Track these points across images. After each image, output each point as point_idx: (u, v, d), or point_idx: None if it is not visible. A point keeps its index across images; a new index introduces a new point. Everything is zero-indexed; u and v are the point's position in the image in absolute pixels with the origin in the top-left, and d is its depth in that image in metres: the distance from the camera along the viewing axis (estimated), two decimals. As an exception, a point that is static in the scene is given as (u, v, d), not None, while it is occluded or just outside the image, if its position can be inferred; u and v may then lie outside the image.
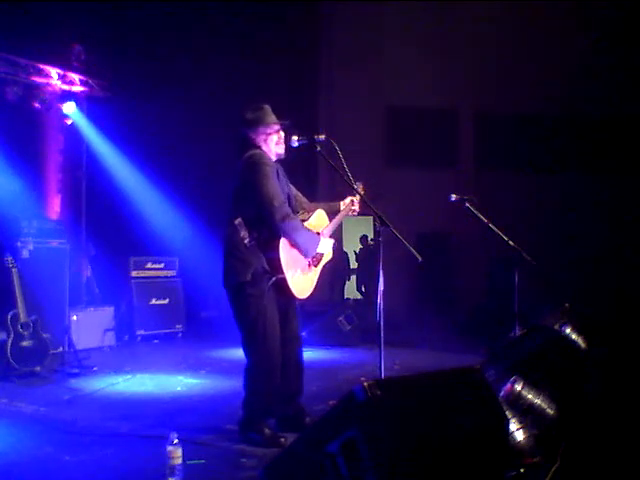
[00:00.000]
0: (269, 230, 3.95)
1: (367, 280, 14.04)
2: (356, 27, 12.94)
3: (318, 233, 4.23)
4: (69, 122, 8.34)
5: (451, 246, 12.62)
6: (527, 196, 12.02)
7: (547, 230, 11.44)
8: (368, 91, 12.80)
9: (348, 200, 4.42)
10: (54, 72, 8.01)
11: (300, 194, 4.49)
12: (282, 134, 4.22)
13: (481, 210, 5.92)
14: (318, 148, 4.15)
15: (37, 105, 7.86)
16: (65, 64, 8.17)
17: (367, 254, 13.65)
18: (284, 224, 3.91)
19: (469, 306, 11.14)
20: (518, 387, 3.42)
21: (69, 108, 8.16)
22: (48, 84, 7.96)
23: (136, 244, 9.30)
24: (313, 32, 12.70)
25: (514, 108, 12.49)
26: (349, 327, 8.56)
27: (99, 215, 8.84)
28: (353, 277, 14.87)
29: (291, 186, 4.39)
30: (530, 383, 3.47)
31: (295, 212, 4.26)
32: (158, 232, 9.55)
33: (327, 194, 12.39)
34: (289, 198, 4.24)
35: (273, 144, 4.18)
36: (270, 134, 4.18)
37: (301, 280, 4.09)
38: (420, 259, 3.87)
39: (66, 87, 8.19)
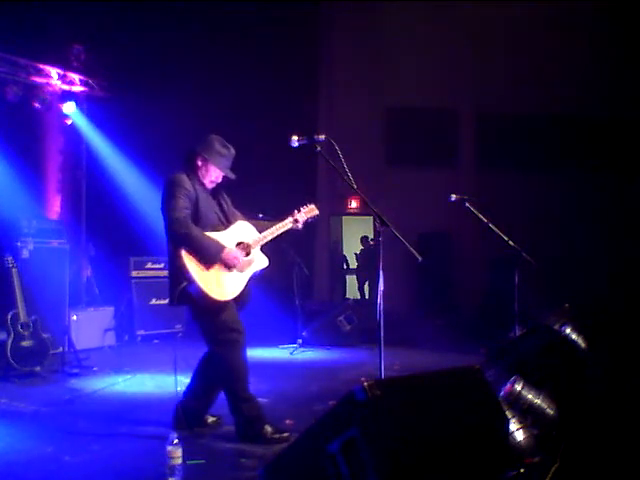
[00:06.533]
0: (171, 241, 4.13)
1: (369, 280, 14.04)
2: (356, 27, 12.95)
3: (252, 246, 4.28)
4: (69, 122, 8.34)
5: (451, 246, 12.61)
6: (527, 196, 12.02)
7: (547, 230, 11.44)
8: (368, 91, 12.80)
9: (291, 218, 4.47)
10: (54, 72, 8.01)
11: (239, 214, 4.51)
12: (219, 179, 4.34)
13: (481, 210, 5.93)
14: (318, 148, 4.16)
15: (37, 105, 7.86)
16: (65, 64, 8.18)
17: (368, 254, 13.66)
18: (179, 234, 4.04)
19: (469, 306, 11.15)
20: (518, 387, 3.42)
21: (69, 108, 8.16)
22: (48, 84, 7.97)
23: (136, 244, 9.29)
24: (313, 32, 12.69)
25: (514, 108, 12.49)
26: (349, 327, 8.57)
27: (99, 215, 8.84)
28: (352, 277, 14.87)
29: (234, 211, 4.44)
30: (530, 383, 3.48)
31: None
32: (158, 232, 9.52)
33: (327, 194, 12.42)
34: (226, 219, 4.31)
35: (208, 180, 4.31)
36: (214, 174, 4.30)
37: (224, 281, 4.11)
38: (420, 259, 3.87)
39: (66, 87, 8.20)
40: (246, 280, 4.24)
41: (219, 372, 4.21)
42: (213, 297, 4.01)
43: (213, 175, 4.30)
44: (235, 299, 4.18)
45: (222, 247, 4.11)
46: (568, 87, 12.13)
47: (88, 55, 8.37)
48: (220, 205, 4.38)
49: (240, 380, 4.15)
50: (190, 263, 4.00)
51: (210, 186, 4.34)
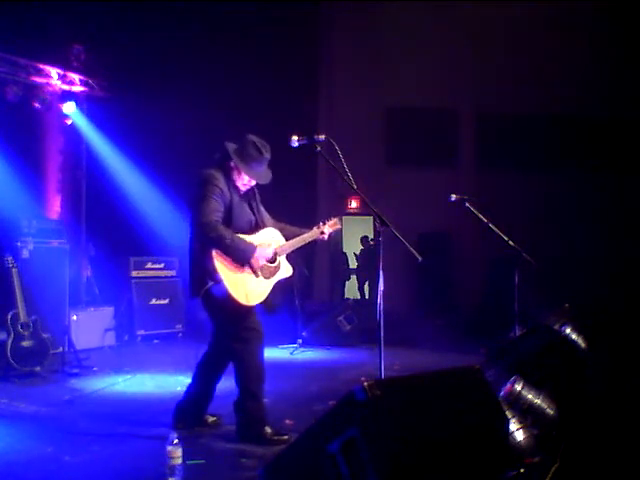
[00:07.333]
0: (199, 242, 4.08)
1: (369, 280, 14.04)
2: (356, 27, 12.95)
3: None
4: (69, 122, 8.34)
5: (451, 246, 12.61)
6: (527, 196, 12.03)
7: (547, 230, 11.45)
8: (368, 91, 12.80)
9: (317, 230, 4.51)
10: (54, 72, 8.01)
11: (270, 219, 4.48)
12: (253, 182, 4.27)
13: (481, 210, 5.93)
14: (318, 148, 4.15)
15: (37, 105, 7.86)
16: (65, 64, 8.17)
17: (368, 254, 13.65)
18: (211, 237, 3.97)
19: (469, 306, 11.15)
20: (518, 387, 3.42)
21: (69, 108, 8.16)
22: (48, 84, 7.96)
23: (136, 244, 9.29)
24: (313, 32, 12.69)
25: (514, 108, 12.49)
26: (349, 327, 8.57)
27: (99, 215, 8.84)
28: (353, 277, 14.87)
29: (263, 212, 4.42)
30: (530, 383, 3.48)
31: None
32: (158, 232, 9.55)
33: (327, 194, 12.41)
34: (256, 223, 4.28)
35: (241, 183, 4.24)
36: (246, 178, 4.23)
37: (251, 287, 4.12)
38: (420, 259, 3.87)
39: (66, 87, 8.19)
40: (271, 287, 4.26)
41: (235, 370, 4.19)
42: (238, 300, 4.02)
43: (245, 179, 4.22)
44: (263, 303, 4.20)
45: (254, 247, 4.10)
46: (568, 87, 12.12)
47: (88, 55, 8.37)
48: (251, 208, 4.32)
49: (257, 379, 4.16)
50: (220, 265, 3.98)
51: (243, 189, 4.26)
